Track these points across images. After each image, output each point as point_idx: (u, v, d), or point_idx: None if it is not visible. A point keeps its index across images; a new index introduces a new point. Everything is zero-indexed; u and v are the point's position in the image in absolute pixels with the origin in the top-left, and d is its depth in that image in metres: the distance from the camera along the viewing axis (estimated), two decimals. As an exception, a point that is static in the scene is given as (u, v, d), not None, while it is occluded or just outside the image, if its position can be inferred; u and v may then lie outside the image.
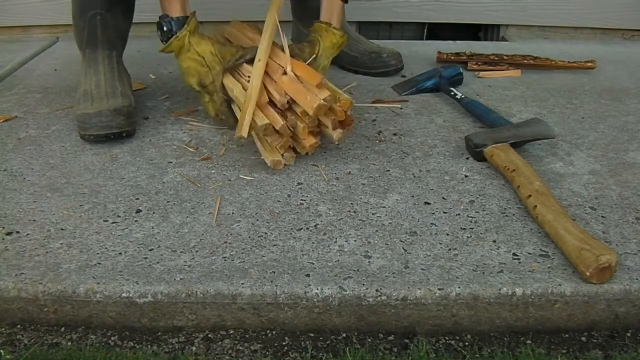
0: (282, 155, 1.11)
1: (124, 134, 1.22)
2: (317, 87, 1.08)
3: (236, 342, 0.84)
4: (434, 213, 1.00)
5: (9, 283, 0.84)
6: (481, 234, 0.95)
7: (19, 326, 0.86)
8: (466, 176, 1.12)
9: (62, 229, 0.96)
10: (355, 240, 0.93)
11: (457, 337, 0.86)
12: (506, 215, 0.99)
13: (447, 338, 0.86)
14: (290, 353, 0.83)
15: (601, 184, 1.09)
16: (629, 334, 0.86)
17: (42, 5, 1.98)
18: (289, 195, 1.05)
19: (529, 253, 0.90)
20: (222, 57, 1.17)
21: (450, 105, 1.43)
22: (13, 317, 0.86)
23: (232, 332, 0.86)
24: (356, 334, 0.86)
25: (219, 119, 1.24)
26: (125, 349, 0.83)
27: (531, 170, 1.05)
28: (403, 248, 0.92)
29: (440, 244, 0.92)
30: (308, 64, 1.17)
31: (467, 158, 1.18)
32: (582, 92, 1.52)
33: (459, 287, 0.83)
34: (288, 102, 1.10)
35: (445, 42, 1.95)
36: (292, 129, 1.11)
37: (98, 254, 0.90)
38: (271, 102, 1.12)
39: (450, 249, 0.91)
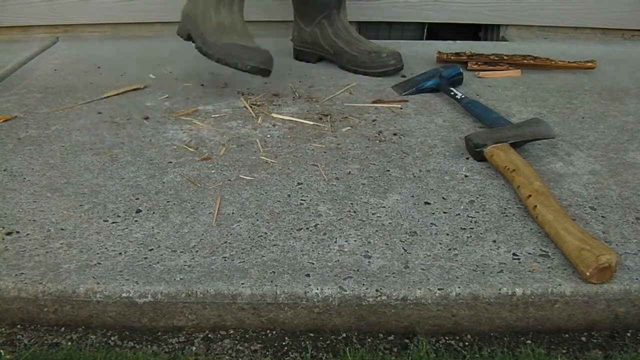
0: None
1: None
2: None
3: (236, 342, 0.84)
4: (434, 213, 1.00)
5: (9, 283, 0.84)
6: (481, 234, 0.95)
7: (19, 326, 0.86)
8: (466, 176, 1.12)
9: (62, 229, 0.96)
10: (355, 240, 0.93)
11: (457, 337, 0.86)
12: (506, 215, 0.99)
13: (447, 338, 0.86)
14: (290, 353, 0.83)
15: (601, 184, 1.09)
16: (629, 334, 0.86)
17: (42, 5, 1.98)
18: (289, 195, 1.05)
19: (529, 253, 0.90)
20: None
21: (450, 105, 1.43)
22: (13, 317, 0.86)
23: (232, 332, 0.86)
24: (356, 334, 0.86)
25: None
26: (125, 349, 0.83)
27: (531, 170, 1.05)
28: (403, 248, 0.92)
29: (440, 244, 0.92)
30: None
31: (467, 158, 1.18)
32: (582, 92, 1.52)
33: (459, 287, 0.83)
34: None
35: (445, 42, 1.95)
36: None
37: (98, 254, 0.90)
38: None
39: (450, 249, 0.91)
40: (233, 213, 1.00)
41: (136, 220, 0.98)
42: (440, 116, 1.37)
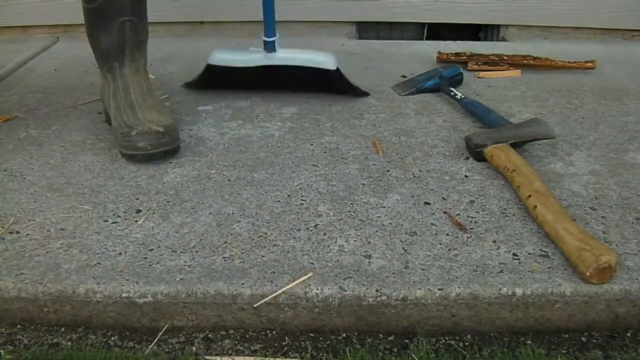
0: None
1: None
2: None
3: (236, 342, 0.84)
4: (434, 213, 1.00)
5: (9, 283, 0.84)
6: (481, 234, 0.95)
7: (19, 326, 0.86)
8: (466, 176, 1.12)
9: (62, 229, 0.96)
10: (355, 240, 0.93)
11: (457, 337, 0.86)
12: (506, 215, 0.99)
13: (447, 338, 0.86)
14: (290, 353, 0.83)
15: (601, 184, 1.09)
16: (629, 334, 0.86)
17: (42, 5, 1.98)
18: (289, 195, 1.05)
19: (529, 253, 0.90)
20: None
21: (450, 105, 1.43)
22: (13, 317, 0.86)
23: (232, 332, 0.86)
24: (356, 334, 0.86)
25: None
26: (125, 349, 0.83)
27: (531, 170, 1.05)
28: (403, 248, 0.92)
29: (440, 244, 0.92)
30: None
31: (467, 158, 1.18)
32: (582, 92, 1.52)
33: (459, 287, 0.83)
34: None
35: (445, 42, 1.95)
36: None
37: (98, 254, 0.90)
38: None
39: (450, 249, 0.91)
40: (233, 213, 1.00)
41: (136, 220, 0.98)
42: (440, 116, 1.37)
